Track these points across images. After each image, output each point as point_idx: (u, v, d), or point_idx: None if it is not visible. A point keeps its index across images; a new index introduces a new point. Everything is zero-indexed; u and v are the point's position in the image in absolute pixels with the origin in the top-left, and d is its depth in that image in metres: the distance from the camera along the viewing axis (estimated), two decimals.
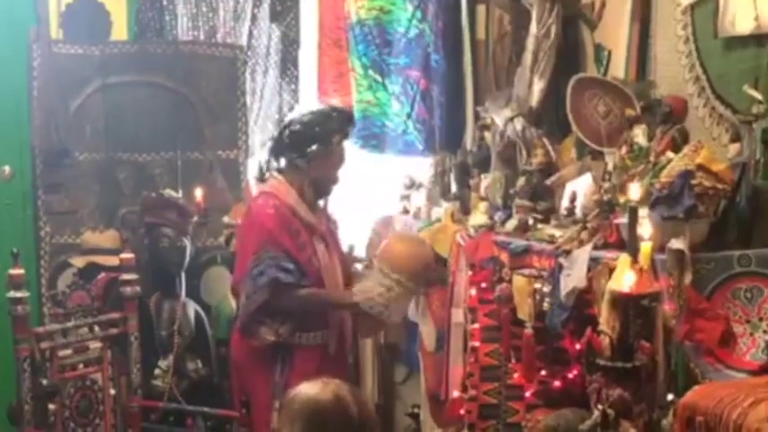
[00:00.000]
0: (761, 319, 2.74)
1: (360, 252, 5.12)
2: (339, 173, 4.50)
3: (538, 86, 4.23)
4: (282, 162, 4.48)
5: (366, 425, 2.73)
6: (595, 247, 3.12)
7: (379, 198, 6.04)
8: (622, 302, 2.68)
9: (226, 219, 5.39)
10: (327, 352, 4.40)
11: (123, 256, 5.00)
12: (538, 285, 3.43)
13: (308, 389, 2.74)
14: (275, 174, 4.46)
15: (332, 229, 4.64)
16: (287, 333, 4.33)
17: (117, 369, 4.91)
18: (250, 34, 6.25)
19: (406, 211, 5.66)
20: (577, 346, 3.19)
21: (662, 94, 3.57)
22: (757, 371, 2.67)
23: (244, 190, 5.85)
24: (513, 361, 3.84)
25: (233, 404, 4.83)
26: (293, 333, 4.34)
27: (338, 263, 4.52)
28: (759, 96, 2.95)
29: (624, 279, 2.66)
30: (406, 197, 5.72)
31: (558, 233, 3.46)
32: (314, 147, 4.42)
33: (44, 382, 4.48)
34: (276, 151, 4.52)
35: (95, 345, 4.82)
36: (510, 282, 3.69)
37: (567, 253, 3.21)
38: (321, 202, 4.58)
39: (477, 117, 5.11)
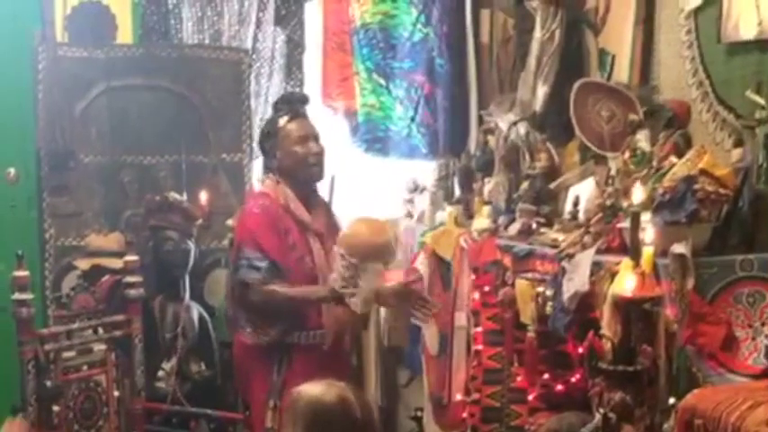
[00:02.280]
0: (763, 324, 2.74)
1: None
2: (305, 150, 4.48)
3: (541, 91, 4.23)
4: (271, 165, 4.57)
5: (369, 426, 2.74)
6: (598, 252, 3.12)
7: (382, 202, 6.04)
8: (624, 306, 2.69)
9: (229, 222, 5.40)
10: (325, 351, 4.40)
11: (127, 258, 5.02)
12: (541, 289, 3.43)
13: (312, 390, 2.74)
14: (270, 174, 4.51)
15: (331, 226, 4.64)
16: (276, 334, 4.33)
17: (121, 371, 4.93)
18: (255, 38, 6.27)
19: (409, 215, 5.67)
20: (580, 350, 3.20)
21: (665, 98, 3.58)
22: (759, 375, 2.67)
23: (247, 193, 5.86)
24: (516, 364, 3.84)
25: (237, 406, 4.85)
26: (287, 333, 4.35)
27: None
28: (762, 101, 2.95)
29: (626, 283, 2.67)
30: (410, 201, 5.73)
31: (560, 237, 3.47)
32: (270, 141, 4.53)
33: (48, 383, 4.49)
34: (263, 160, 4.66)
35: (99, 347, 4.84)
36: (513, 285, 3.69)
37: (570, 257, 3.21)
38: (326, 198, 4.62)
39: (480, 121, 5.12)
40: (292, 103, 4.63)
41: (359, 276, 4.29)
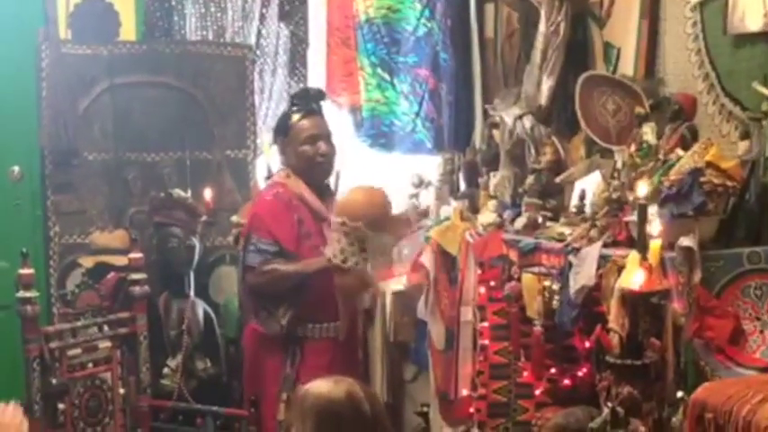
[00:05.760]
0: None
1: None
2: (314, 150, 4.48)
3: (547, 84, 4.22)
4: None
5: (379, 422, 2.73)
6: (605, 245, 3.12)
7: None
8: (632, 300, 2.68)
9: (234, 218, 5.38)
10: (338, 345, 4.41)
11: (132, 255, 5.02)
12: (547, 283, 3.42)
13: (320, 386, 2.74)
14: (282, 167, 4.53)
15: None
16: (289, 324, 4.34)
17: (126, 368, 4.92)
18: (258, 34, 6.25)
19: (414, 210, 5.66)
20: (587, 344, 3.19)
21: (671, 91, 3.57)
22: (767, 368, 2.66)
23: (252, 189, 5.86)
24: (523, 359, 3.83)
25: (242, 402, 4.84)
26: (300, 324, 4.35)
27: None
28: None
29: (633, 277, 2.66)
30: (415, 196, 5.72)
31: (567, 231, 3.46)
32: (282, 137, 4.61)
33: (53, 381, 4.50)
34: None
35: (104, 344, 4.84)
36: (519, 280, 3.68)
37: (577, 251, 3.21)
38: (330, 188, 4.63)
39: (485, 115, 5.10)
40: (307, 100, 4.62)
41: (365, 242, 4.32)
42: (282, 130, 4.56)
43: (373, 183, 4.85)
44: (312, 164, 4.48)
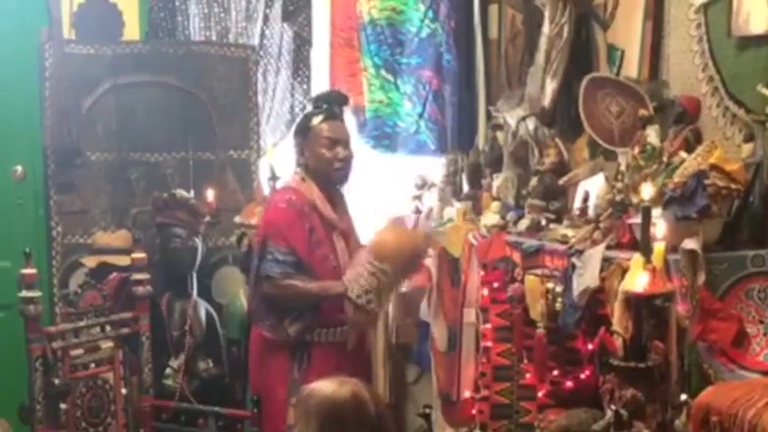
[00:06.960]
0: None
1: None
2: (332, 154, 4.49)
3: (550, 86, 4.22)
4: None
5: (383, 424, 2.73)
6: (608, 247, 3.12)
7: (390, 198, 6.02)
8: (635, 302, 2.68)
9: (237, 219, 5.39)
10: (346, 349, 4.41)
11: (135, 255, 5.01)
12: (550, 285, 3.42)
13: (325, 387, 2.74)
14: (298, 169, 4.52)
15: (353, 226, 4.66)
16: (297, 331, 4.34)
17: (128, 368, 4.92)
18: (262, 34, 6.24)
19: (417, 212, 5.66)
20: (590, 346, 3.20)
21: (675, 93, 3.57)
22: None
23: (255, 190, 5.86)
24: (526, 361, 3.83)
25: (245, 403, 4.83)
26: (306, 331, 4.36)
27: None
28: None
29: (637, 279, 2.65)
30: (418, 197, 5.72)
31: (570, 233, 3.45)
32: (301, 139, 4.57)
33: (56, 381, 4.49)
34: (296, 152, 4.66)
35: (107, 344, 4.83)
36: (522, 282, 3.68)
37: (580, 253, 3.20)
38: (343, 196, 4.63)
39: (489, 117, 5.11)
40: (329, 103, 4.62)
41: (388, 288, 4.35)
42: (302, 131, 4.55)
43: (399, 220, 5.13)
44: (330, 168, 4.48)
